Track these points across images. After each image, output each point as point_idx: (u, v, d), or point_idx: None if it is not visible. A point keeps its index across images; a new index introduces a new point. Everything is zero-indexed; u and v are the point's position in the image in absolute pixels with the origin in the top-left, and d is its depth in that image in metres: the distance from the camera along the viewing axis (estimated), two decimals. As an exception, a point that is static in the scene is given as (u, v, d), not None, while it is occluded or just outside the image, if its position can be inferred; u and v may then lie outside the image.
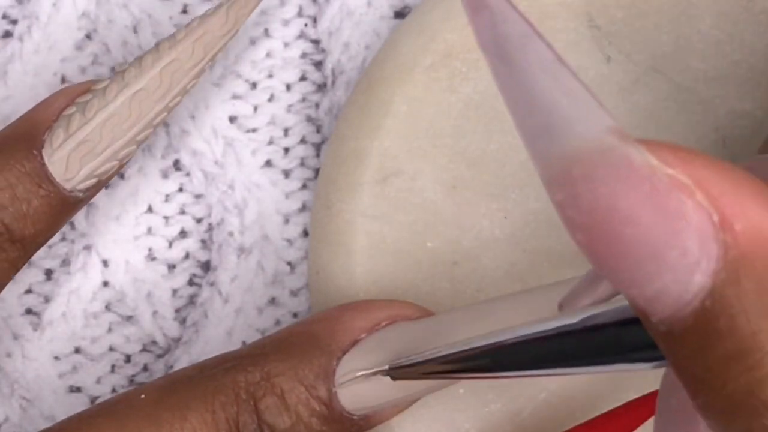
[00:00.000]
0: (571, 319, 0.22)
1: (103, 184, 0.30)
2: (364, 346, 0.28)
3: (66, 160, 0.29)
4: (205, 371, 0.28)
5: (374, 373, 0.27)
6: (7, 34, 0.34)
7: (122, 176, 0.34)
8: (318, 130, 0.34)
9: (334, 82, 0.34)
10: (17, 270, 0.30)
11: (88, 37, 0.34)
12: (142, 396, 0.28)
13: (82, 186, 0.30)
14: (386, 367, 0.27)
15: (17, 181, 0.29)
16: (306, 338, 0.28)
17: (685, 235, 0.18)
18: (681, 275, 0.18)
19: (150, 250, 0.34)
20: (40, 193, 0.29)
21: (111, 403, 0.28)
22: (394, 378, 0.27)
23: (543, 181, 0.19)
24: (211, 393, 0.27)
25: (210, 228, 0.34)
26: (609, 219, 0.18)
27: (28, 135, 0.29)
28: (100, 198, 0.33)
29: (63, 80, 0.34)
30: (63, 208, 0.29)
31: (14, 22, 0.34)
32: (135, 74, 0.30)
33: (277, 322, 0.34)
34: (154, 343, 0.34)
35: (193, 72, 0.30)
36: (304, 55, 0.34)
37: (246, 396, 0.27)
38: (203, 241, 0.34)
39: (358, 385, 0.27)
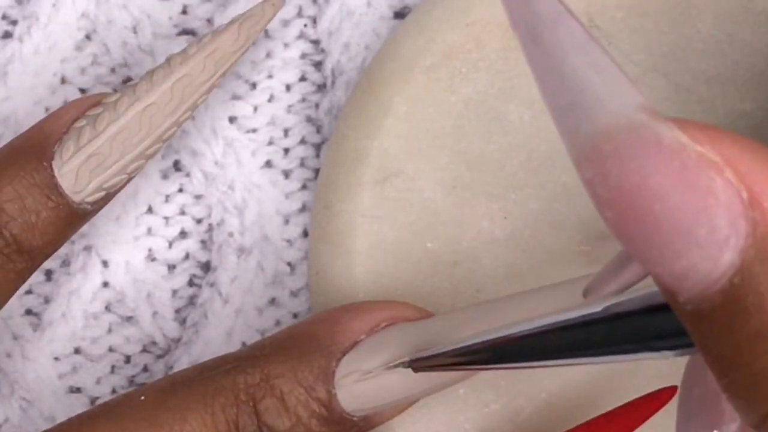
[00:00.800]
0: (595, 308, 0.22)
1: (111, 196, 0.30)
2: (364, 348, 0.28)
3: (76, 173, 0.29)
4: (204, 373, 0.28)
5: (395, 366, 0.27)
6: (7, 35, 0.34)
7: (122, 177, 0.34)
8: (318, 131, 0.34)
9: (333, 83, 0.34)
10: (24, 281, 0.30)
11: (88, 37, 0.34)
12: (142, 397, 0.28)
13: (90, 198, 0.30)
14: (407, 359, 0.27)
15: (26, 192, 0.29)
16: (305, 339, 0.28)
17: (714, 212, 0.18)
18: (710, 252, 0.18)
19: (150, 250, 0.34)
20: (48, 205, 0.29)
21: (111, 405, 0.28)
22: (415, 370, 0.27)
23: (573, 159, 0.19)
24: (211, 394, 0.27)
25: (210, 228, 0.34)
26: (638, 195, 0.18)
27: (39, 146, 0.29)
28: (100, 198, 0.33)
29: (63, 81, 0.34)
30: (71, 219, 0.30)
31: (14, 22, 0.34)
32: (146, 88, 0.29)
33: (278, 323, 0.34)
34: (154, 343, 0.34)
35: (204, 87, 0.30)
36: (303, 56, 0.34)
37: (246, 397, 0.27)
38: (203, 242, 0.34)
39: (357, 386, 0.27)
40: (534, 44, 0.20)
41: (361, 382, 0.27)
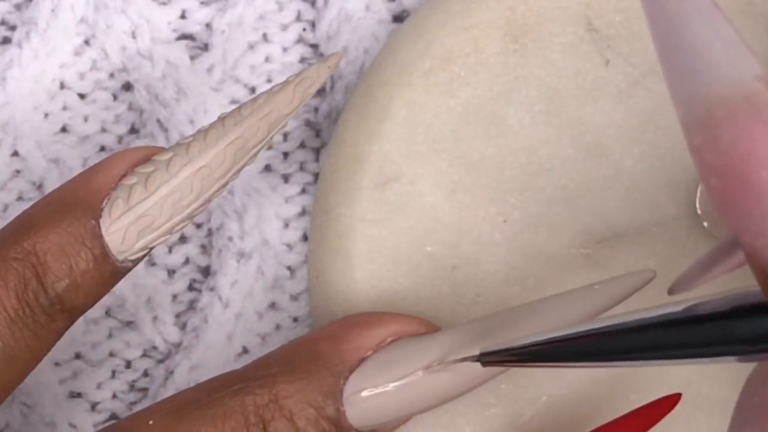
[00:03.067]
0: (676, 308, 0.22)
1: (150, 251, 0.29)
2: (371, 365, 0.28)
3: (124, 233, 0.28)
4: (212, 394, 0.27)
5: (462, 360, 0.27)
6: (6, 40, 0.34)
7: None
8: (317, 135, 0.34)
9: (332, 87, 0.34)
10: (60, 337, 0.29)
11: (87, 42, 0.34)
12: (150, 422, 0.27)
13: (133, 257, 0.29)
14: (477, 353, 0.26)
15: (74, 251, 0.28)
16: (312, 358, 0.28)
17: None
18: None
19: (150, 255, 0.34)
20: (94, 265, 0.28)
21: (117, 429, 0.28)
22: (483, 364, 0.26)
23: (682, 124, 0.19)
24: (221, 418, 0.27)
25: (210, 233, 0.34)
26: (747, 162, 0.18)
27: (87, 202, 0.28)
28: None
29: (62, 86, 0.34)
30: (113, 278, 0.29)
31: (13, 28, 0.34)
32: (199, 149, 0.28)
33: (278, 327, 0.34)
34: (154, 348, 0.34)
35: (255, 150, 0.29)
36: (302, 60, 0.34)
37: (255, 419, 0.27)
38: (203, 246, 0.34)
39: (366, 403, 0.27)
40: (657, 7, 0.20)
41: (370, 398, 0.27)
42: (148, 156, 0.29)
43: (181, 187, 0.28)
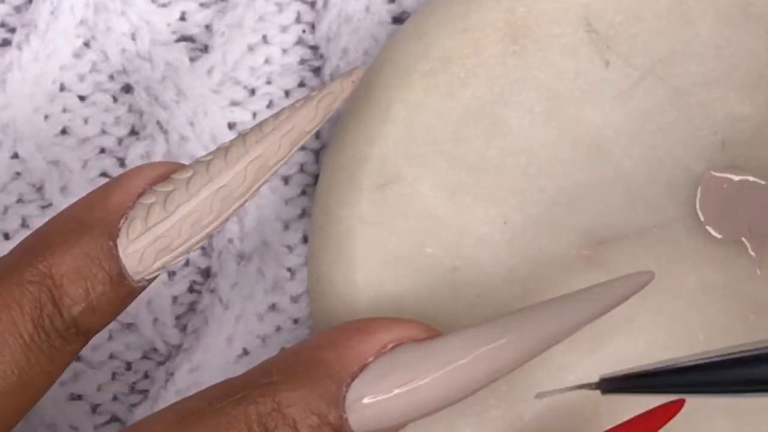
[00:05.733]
0: None
1: (165, 269, 0.29)
2: (373, 371, 0.28)
3: (141, 254, 0.28)
4: (214, 404, 0.27)
5: (580, 387, 0.26)
6: (6, 43, 0.34)
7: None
8: (317, 136, 0.34)
9: (332, 88, 0.34)
10: (74, 359, 0.29)
11: (87, 44, 0.34)
12: None
13: (149, 277, 0.28)
14: (594, 381, 0.25)
15: (92, 275, 0.28)
16: (314, 365, 0.28)
17: None
18: None
19: (150, 257, 0.34)
20: (110, 287, 0.28)
21: None
22: (604, 392, 0.25)
23: None
24: (224, 428, 0.27)
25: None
26: None
27: (104, 221, 0.28)
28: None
29: (61, 88, 0.34)
30: (128, 298, 0.28)
31: (12, 30, 0.34)
32: (219, 168, 0.28)
33: (278, 329, 0.34)
34: (154, 350, 0.34)
35: (275, 167, 0.28)
36: (302, 62, 0.34)
37: (258, 428, 0.27)
38: (203, 248, 0.34)
39: (368, 410, 0.27)
40: None
41: (372, 404, 0.27)
42: (166, 173, 0.28)
43: (200, 208, 0.28)
